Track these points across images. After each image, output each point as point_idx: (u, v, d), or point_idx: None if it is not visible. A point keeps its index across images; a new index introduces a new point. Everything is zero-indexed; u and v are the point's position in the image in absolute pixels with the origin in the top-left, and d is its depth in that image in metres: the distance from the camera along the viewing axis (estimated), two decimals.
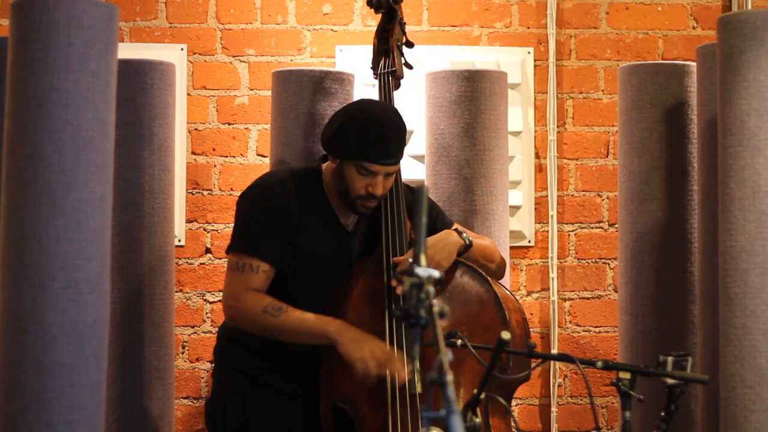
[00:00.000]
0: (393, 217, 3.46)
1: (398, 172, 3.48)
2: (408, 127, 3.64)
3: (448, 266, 3.42)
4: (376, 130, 3.34)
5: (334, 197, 3.46)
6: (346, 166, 3.36)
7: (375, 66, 3.68)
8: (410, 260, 3.33)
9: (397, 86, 3.66)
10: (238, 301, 3.36)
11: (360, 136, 3.34)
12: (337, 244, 3.46)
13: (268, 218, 3.39)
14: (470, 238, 3.49)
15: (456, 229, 3.51)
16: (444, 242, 3.46)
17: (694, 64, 3.90)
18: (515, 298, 3.57)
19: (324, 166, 3.49)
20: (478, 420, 2.83)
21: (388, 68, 3.63)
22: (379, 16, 3.71)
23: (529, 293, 4.71)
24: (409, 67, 3.69)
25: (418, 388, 3.28)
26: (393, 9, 3.66)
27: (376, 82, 3.65)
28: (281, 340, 3.36)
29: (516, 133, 4.64)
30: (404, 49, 3.70)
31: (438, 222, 3.59)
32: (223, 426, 3.47)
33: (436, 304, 2.08)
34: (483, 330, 3.34)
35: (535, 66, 4.73)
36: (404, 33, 3.70)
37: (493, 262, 3.56)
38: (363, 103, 3.49)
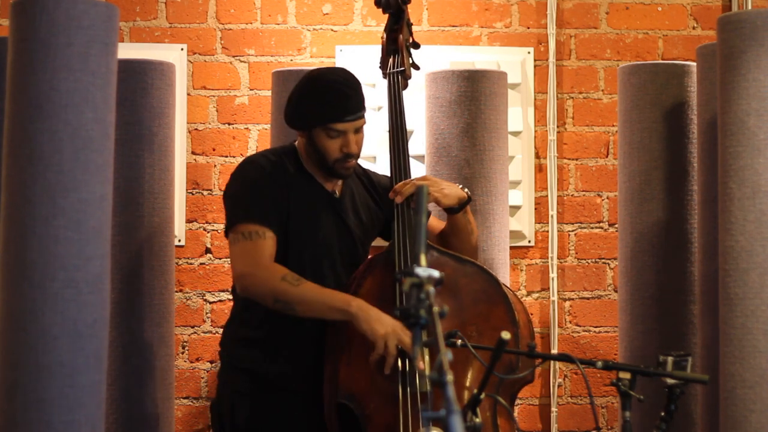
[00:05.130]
0: (402, 212, 3.46)
1: (407, 170, 3.53)
2: (408, 127, 3.65)
3: (450, 201, 3.50)
4: (332, 90, 3.41)
5: (314, 169, 3.50)
6: (316, 135, 3.42)
7: (384, 66, 3.68)
8: (416, 183, 3.41)
9: (405, 86, 3.67)
10: (256, 267, 3.33)
11: (319, 101, 3.41)
12: (329, 210, 3.49)
13: (263, 188, 3.42)
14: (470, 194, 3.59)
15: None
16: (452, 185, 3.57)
17: (694, 64, 3.90)
18: (519, 299, 3.57)
19: (296, 143, 3.54)
20: (478, 420, 2.82)
21: (396, 68, 3.64)
22: (385, 17, 3.72)
23: (529, 293, 4.71)
24: (416, 67, 3.70)
25: (428, 386, 3.27)
26: (401, 9, 3.67)
27: (385, 81, 3.66)
28: (293, 313, 3.31)
29: (516, 133, 4.64)
30: (411, 49, 3.71)
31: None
32: (231, 427, 3.45)
33: (439, 304, 2.08)
34: (492, 330, 3.33)
35: (535, 66, 4.73)
36: (411, 33, 3.72)
37: (473, 234, 3.62)
38: (311, 72, 3.55)
